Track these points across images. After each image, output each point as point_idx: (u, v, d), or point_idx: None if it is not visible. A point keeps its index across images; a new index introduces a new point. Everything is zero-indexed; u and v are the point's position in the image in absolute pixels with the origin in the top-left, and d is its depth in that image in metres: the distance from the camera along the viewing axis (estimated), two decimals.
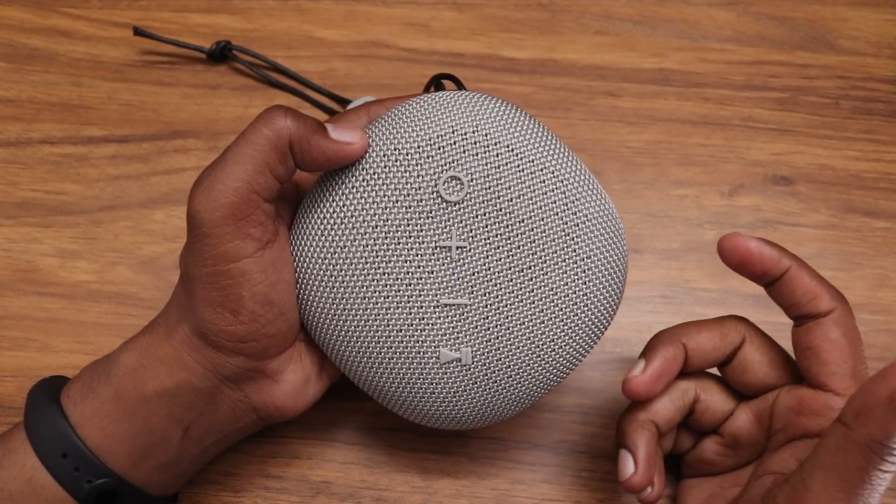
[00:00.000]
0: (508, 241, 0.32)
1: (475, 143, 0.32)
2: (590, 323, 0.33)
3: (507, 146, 0.32)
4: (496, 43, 0.50)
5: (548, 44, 0.50)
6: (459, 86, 0.35)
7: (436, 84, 0.36)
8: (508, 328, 0.33)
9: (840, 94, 0.49)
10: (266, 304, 0.31)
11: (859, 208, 0.46)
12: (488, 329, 0.33)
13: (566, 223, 0.32)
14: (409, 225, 0.32)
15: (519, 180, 0.32)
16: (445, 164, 0.32)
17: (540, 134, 0.33)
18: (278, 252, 0.32)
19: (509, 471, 0.40)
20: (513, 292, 0.32)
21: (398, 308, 0.33)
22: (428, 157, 0.32)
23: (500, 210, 0.32)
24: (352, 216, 0.32)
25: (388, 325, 0.33)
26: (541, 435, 0.40)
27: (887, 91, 0.49)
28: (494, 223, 0.32)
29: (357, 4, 0.51)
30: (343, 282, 0.33)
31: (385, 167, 0.32)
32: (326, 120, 0.32)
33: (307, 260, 0.33)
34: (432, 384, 0.34)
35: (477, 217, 0.32)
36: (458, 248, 0.32)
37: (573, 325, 0.33)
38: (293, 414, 0.34)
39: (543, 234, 0.32)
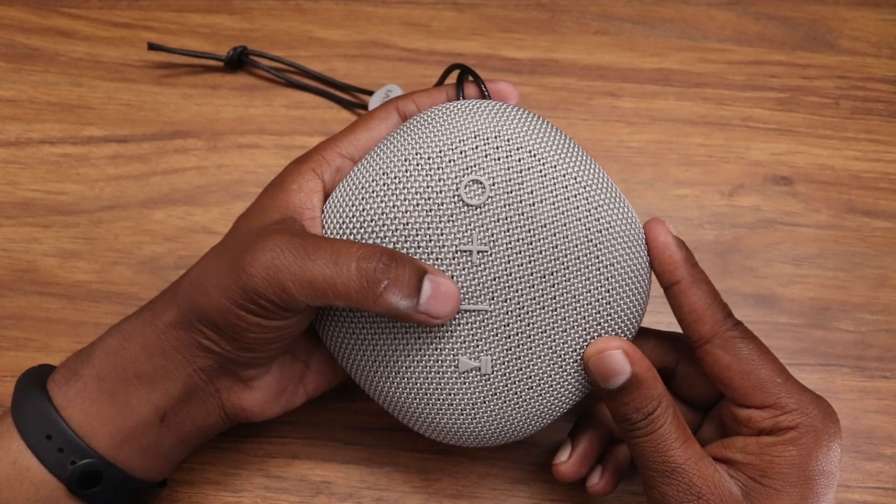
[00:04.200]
0: (530, 247, 0.32)
1: (497, 147, 0.32)
2: (612, 334, 0.33)
3: (530, 151, 0.32)
4: (496, 43, 0.50)
5: (548, 44, 0.50)
6: (477, 79, 0.35)
7: (458, 77, 0.36)
8: (530, 336, 0.32)
9: (840, 94, 0.49)
10: (266, 343, 0.32)
11: (859, 208, 0.46)
12: (509, 337, 0.32)
13: (589, 230, 0.32)
14: (429, 228, 0.32)
15: (541, 185, 0.31)
16: (467, 168, 0.31)
17: (563, 141, 0.32)
18: (306, 314, 0.32)
19: (509, 471, 0.40)
20: (534, 299, 0.32)
21: None
22: (450, 161, 0.31)
23: (522, 215, 0.31)
24: (372, 220, 0.32)
25: (406, 332, 0.33)
26: (541, 435, 0.40)
27: (887, 91, 0.49)
28: (516, 228, 0.32)
29: (357, 4, 0.51)
30: None
31: (406, 171, 0.32)
32: (424, 272, 0.31)
33: None
34: (450, 395, 0.33)
35: (498, 221, 0.31)
36: (479, 252, 0.32)
37: (595, 335, 0.33)
38: (258, 419, 0.35)
39: (566, 241, 0.32)
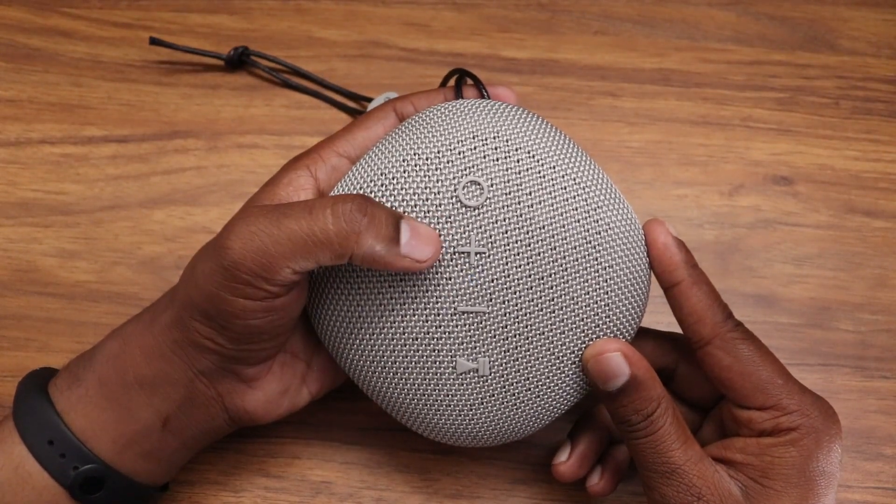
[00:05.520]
0: (529, 248, 0.31)
1: (496, 148, 0.31)
2: (611, 335, 0.33)
3: (528, 152, 0.31)
4: (496, 43, 0.50)
5: (548, 44, 0.50)
6: (477, 83, 0.35)
7: (456, 80, 0.36)
8: (528, 338, 0.32)
9: (840, 94, 0.49)
10: (256, 334, 0.31)
11: (859, 208, 0.46)
12: (507, 339, 0.32)
13: (588, 231, 0.32)
14: None
15: (540, 186, 0.31)
16: (465, 169, 0.31)
17: (561, 141, 0.32)
18: (293, 296, 0.31)
19: (509, 471, 0.40)
20: (533, 301, 0.32)
21: (414, 315, 0.32)
22: (448, 162, 0.31)
23: (521, 216, 0.31)
24: None
25: (404, 333, 0.33)
26: (541, 435, 0.40)
27: (887, 91, 0.49)
28: (514, 229, 0.31)
29: (357, 4, 0.51)
30: (357, 287, 0.33)
31: (404, 172, 0.32)
32: (402, 218, 0.31)
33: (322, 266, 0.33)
34: (448, 396, 0.33)
35: (497, 223, 0.31)
36: (477, 253, 0.32)
37: (594, 336, 0.33)
38: (263, 421, 0.34)
39: (564, 242, 0.31)
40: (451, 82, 0.37)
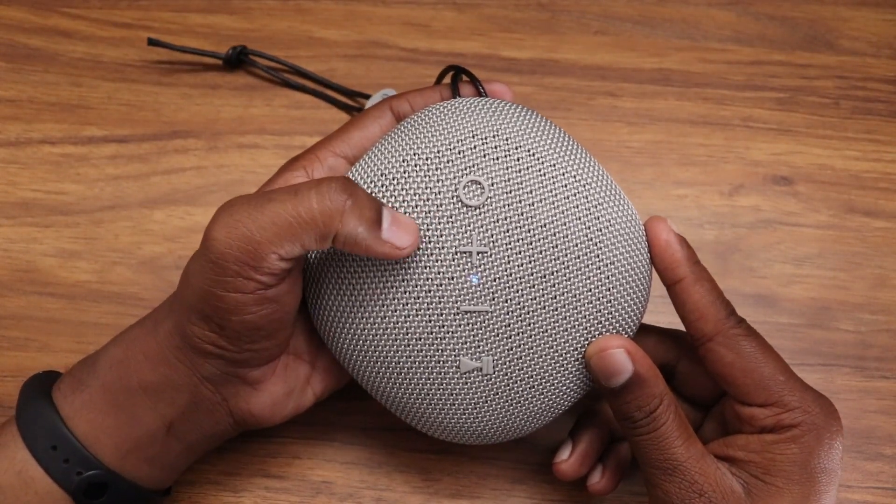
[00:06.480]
0: (530, 247, 0.31)
1: (496, 147, 0.31)
2: (613, 332, 0.33)
3: (529, 151, 0.31)
4: (496, 43, 0.50)
5: (548, 44, 0.50)
6: (473, 80, 0.35)
7: (452, 78, 0.36)
8: (531, 336, 0.32)
9: (840, 94, 0.49)
10: (254, 330, 0.31)
11: (859, 208, 0.46)
12: (510, 337, 0.32)
13: (589, 228, 0.32)
14: (429, 230, 0.31)
15: (541, 185, 0.31)
16: (466, 169, 0.31)
17: (562, 139, 0.32)
18: (285, 287, 0.31)
19: (509, 471, 0.40)
20: (535, 299, 0.32)
21: (417, 315, 0.32)
22: (448, 162, 0.31)
23: (522, 215, 0.31)
24: None
25: (407, 334, 0.32)
26: (542, 434, 0.40)
27: (887, 91, 0.49)
28: (516, 228, 0.31)
29: (357, 4, 0.51)
30: (360, 288, 0.33)
31: (405, 172, 0.32)
32: (381, 211, 0.30)
33: (323, 266, 0.33)
34: (452, 395, 0.33)
35: (498, 222, 0.31)
36: (478, 253, 0.32)
37: (597, 333, 0.33)
38: (269, 424, 0.34)
39: (566, 240, 0.31)
40: (447, 79, 0.37)
